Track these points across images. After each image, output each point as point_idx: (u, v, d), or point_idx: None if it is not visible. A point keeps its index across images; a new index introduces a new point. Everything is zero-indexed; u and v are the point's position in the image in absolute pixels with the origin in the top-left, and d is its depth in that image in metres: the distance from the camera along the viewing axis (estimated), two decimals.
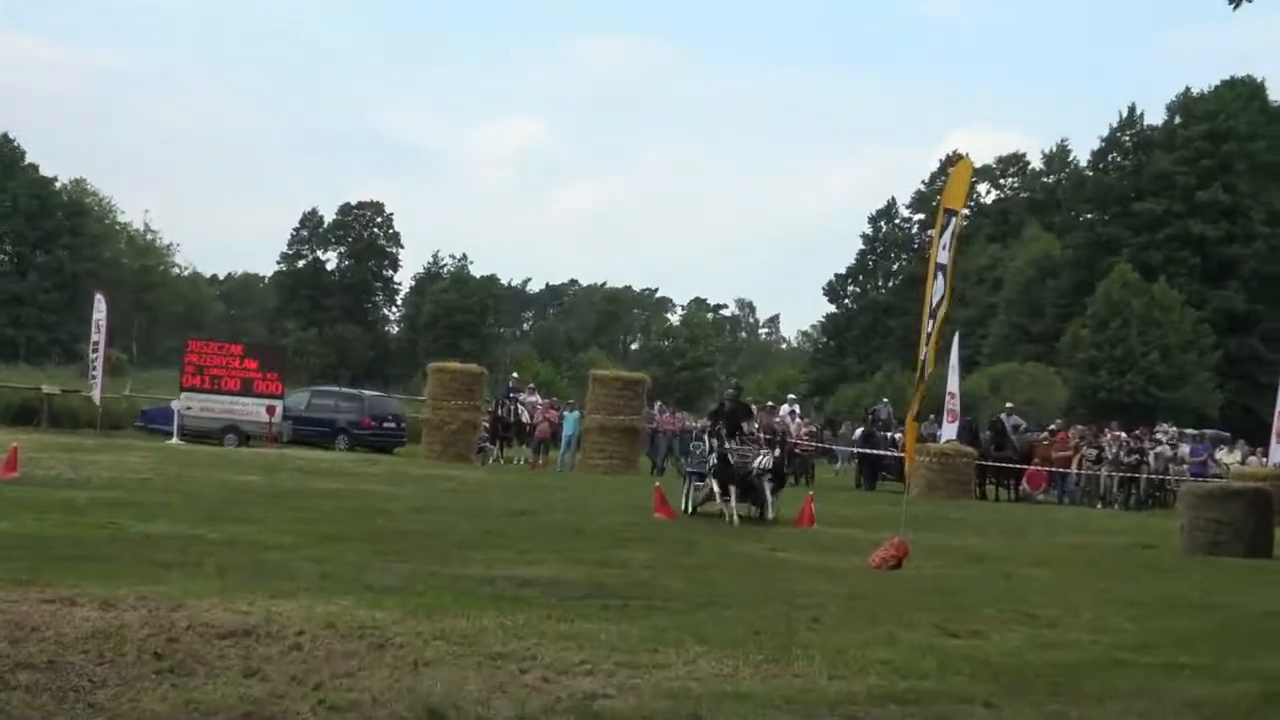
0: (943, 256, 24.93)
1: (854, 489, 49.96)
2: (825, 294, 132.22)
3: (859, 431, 55.14)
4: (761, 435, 33.66)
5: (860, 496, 45.83)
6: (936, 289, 24.66)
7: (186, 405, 51.97)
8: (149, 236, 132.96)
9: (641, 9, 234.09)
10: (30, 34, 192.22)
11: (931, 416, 50.51)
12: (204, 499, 28.68)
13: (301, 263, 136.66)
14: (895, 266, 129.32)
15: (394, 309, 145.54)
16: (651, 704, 11.21)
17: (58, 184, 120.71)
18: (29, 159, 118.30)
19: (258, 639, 12.90)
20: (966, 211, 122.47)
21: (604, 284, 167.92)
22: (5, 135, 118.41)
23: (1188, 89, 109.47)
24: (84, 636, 12.47)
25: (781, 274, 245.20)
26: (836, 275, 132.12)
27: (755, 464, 30.36)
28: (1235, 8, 15.23)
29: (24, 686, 10.55)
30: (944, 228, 25.25)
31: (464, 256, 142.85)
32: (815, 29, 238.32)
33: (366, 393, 64.02)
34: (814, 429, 59.61)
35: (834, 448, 59.33)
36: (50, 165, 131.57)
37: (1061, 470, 49.96)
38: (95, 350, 54.31)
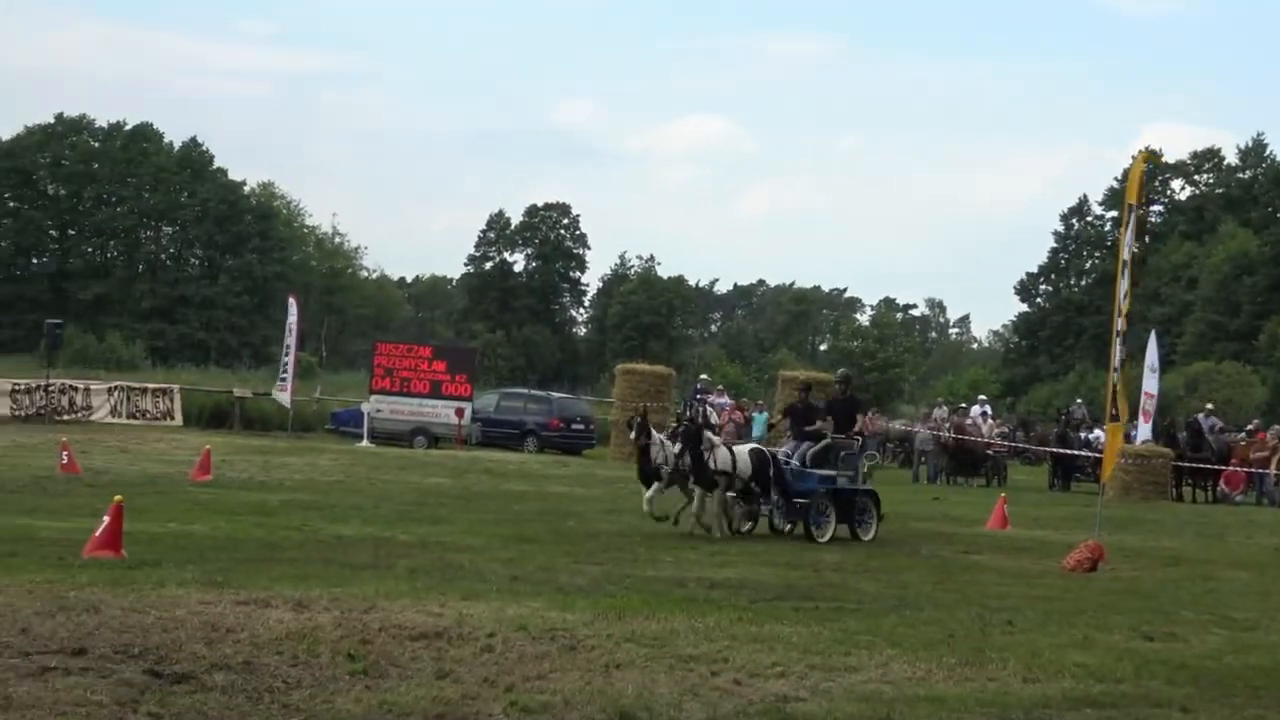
0: (1126, 252, 24.68)
1: (1047, 490, 49.27)
2: (1017, 293, 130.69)
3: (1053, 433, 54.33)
4: (865, 436, 29.41)
5: (1053, 498, 45.21)
6: (1122, 286, 24.36)
7: (376, 408, 52.45)
8: (337, 239, 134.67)
9: (829, 5, 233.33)
10: (219, 40, 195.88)
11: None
12: (394, 501, 28.94)
13: (489, 264, 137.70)
14: (1088, 264, 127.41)
15: (581, 310, 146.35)
16: (844, 707, 11.09)
17: (247, 188, 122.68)
18: (218, 163, 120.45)
19: (449, 641, 12.93)
20: (1153, 206, 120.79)
21: (792, 284, 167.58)
22: (195, 140, 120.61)
23: None
24: (278, 638, 12.57)
25: (972, 273, 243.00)
26: (1028, 274, 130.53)
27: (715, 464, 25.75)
28: None
29: (220, 687, 10.65)
30: (1125, 223, 25.12)
31: (651, 257, 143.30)
32: (1009, 23, 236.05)
33: (555, 395, 64.23)
34: (1006, 430, 58.86)
35: (1026, 447, 58.55)
36: (239, 169, 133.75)
37: (1260, 471, 48.87)
38: (287, 353, 54.99)
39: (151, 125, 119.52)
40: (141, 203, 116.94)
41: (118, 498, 18.49)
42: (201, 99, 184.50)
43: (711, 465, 25.59)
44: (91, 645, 11.84)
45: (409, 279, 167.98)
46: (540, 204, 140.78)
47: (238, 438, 50.35)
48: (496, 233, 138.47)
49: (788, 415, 29.48)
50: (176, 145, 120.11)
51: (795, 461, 26.96)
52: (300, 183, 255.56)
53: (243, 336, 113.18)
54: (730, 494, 26.19)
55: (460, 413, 52.53)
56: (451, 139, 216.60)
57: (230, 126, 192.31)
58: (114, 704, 10.02)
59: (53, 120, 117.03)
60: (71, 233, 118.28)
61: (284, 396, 54.47)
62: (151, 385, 58.75)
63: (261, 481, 32.62)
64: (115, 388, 56.62)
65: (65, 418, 52.98)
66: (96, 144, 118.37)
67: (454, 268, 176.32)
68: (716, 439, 26.76)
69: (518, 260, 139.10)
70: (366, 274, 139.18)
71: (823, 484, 26.50)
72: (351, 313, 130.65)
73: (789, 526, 26.61)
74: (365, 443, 50.17)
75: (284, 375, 54.85)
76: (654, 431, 26.74)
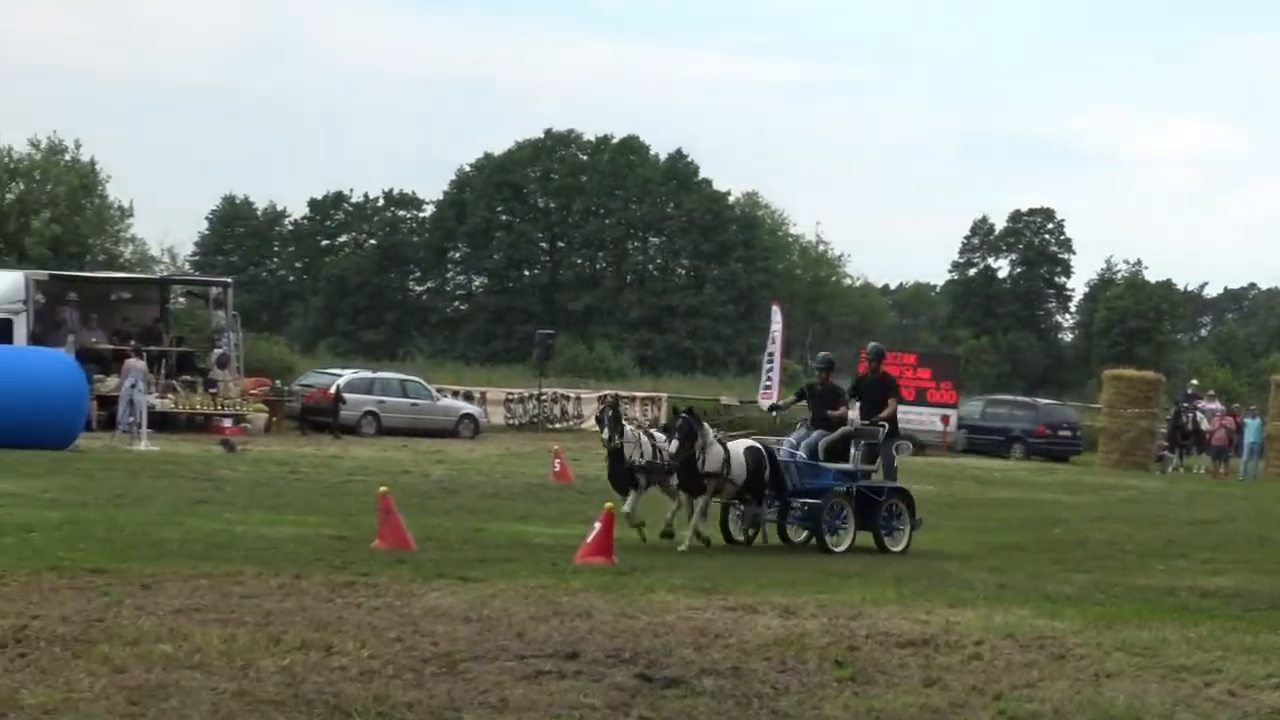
0: None
1: None
2: None
3: None
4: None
5: None
6: None
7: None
8: (820, 247, 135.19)
9: None
10: (697, 49, 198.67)
11: None
12: None
13: (973, 271, 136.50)
14: None
15: (1067, 316, 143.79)
16: None
17: (731, 198, 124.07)
18: (702, 174, 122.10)
19: (936, 648, 12.80)
20: None
21: None
22: (679, 152, 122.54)
23: None
24: (766, 644, 12.62)
25: None
26: None
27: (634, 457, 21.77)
28: None
29: (709, 692, 10.73)
30: None
31: (1138, 261, 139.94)
32: None
33: (1041, 401, 63.34)
34: None
35: None
36: (723, 180, 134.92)
37: None
38: (770, 361, 55.38)
39: (638, 138, 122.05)
40: (629, 214, 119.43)
41: (608, 505, 18.89)
42: (685, 111, 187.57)
43: (701, 465, 21.23)
44: (584, 649, 12.08)
45: (892, 286, 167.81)
46: (1024, 209, 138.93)
47: None
48: (980, 238, 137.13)
49: (803, 398, 24.06)
50: (662, 157, 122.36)
51: (803, 453, 22.46)
52: (784, 192, 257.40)
53: (728, 345, 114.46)
54: (719, 499, 21.93)
55: (945, 420, 52.20)
56: (936, 145, 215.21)
57: (714, 137, 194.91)
58: (606, 708, 10.19)
59: (542, 135, 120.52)
60: (561, 245, 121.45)
61: (768, 404, 54.81)
62: (639, 393, 60.02)
63: None
64: (604, 396, 57.96)
65: (557, 426, 54.54)
66: (585, 157, 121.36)
67: (937, 274, 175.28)
68: (711, 433, 21.79)
69: (1002, 266, 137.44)
70: (850, 281, 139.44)
71: (840, 481, 22.24)
72: (835, 320, 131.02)
73: (804, 534, 22.46)
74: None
75: (768, 383, 55.23)
76: (628, 427, 22.51)
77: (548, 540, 20.92)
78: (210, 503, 24.14)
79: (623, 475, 21.81)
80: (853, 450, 22.37)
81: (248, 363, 48.63)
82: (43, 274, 43.87)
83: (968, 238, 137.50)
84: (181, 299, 53.15)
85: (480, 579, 16.09)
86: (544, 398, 56.32)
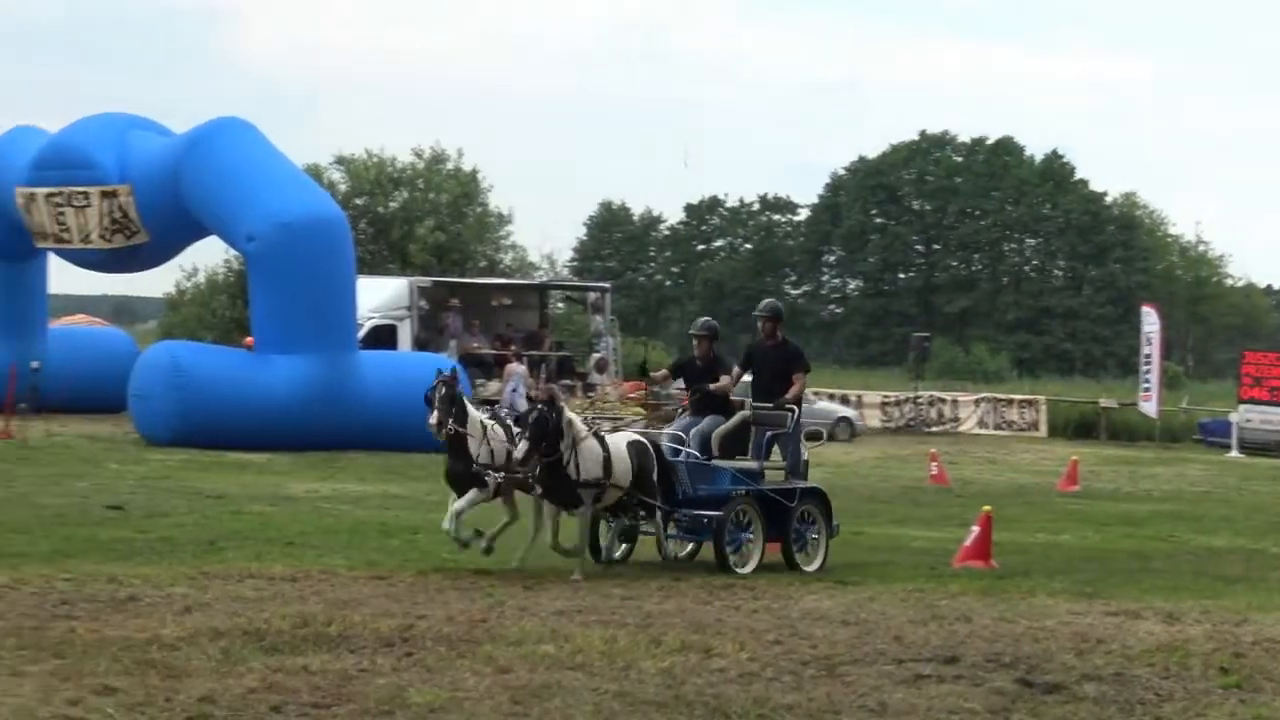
0: None
1: None
2: None
3: None
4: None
5: None
6: None
7: (1246, 417, 51.04)
8: (1200, 248, 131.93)
9: None
10: (1066, 49, 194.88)
11: None
12: (1266, 512, 28.11)
13: None
14: None
15: None
16: None
17: (1108, 198, 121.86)
18: (1079, 174, 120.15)
19: None
20: None
21: None
22: (1055, 152, 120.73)
23: None
24: (1149, 650, 12.43)
25: None
26: None
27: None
28: None
29: (1091, 698, 10.62)
30: None
31: None
32: None
33: None
34: None
35: None
36: (1100, 180, 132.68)
37: None
38: (1147, 363, 54.25)
39: (1012, 139, 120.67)
40: (1004, 216, 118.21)
41: (986, 508, 18.76)
42: (1060, 111, 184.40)
43: (573, 472, 16.21)
44: (963, 654, 12.06)
45: (1276, 286, 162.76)
46: None
47: (1104, 448, 50.05)
48: None
49: (679, 374, 18.96)
50: (1038, 158, 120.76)
51: (693, 448, 17.61)
52: (1162, 192, 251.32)
53: (1107, 347, 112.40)
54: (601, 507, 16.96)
55: None
56: None
57: (1091, 138, 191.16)
58: (986, 712, 10.16)
59: (917, 137, 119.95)
60: (936, 247, 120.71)
61: (1149, 406, 53.69)
62: (1017, 396, 59.34)
63: (1128, 492, 32.37)
64: (982, 399, 57.51)
65: (934, 429, 54.20)
66: (959, 159, 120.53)
67: None
68: (581, 426, 16.69)
69: None
70: (1232, 282, 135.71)
71: (739, 482, 17.60)
72: (1217, 322, 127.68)
73: (687, 550, 18.02)
74: (1234, 453, 48.94)
75: (1146, 385, 54.12)
76: (473, 411, 16.88)
77: (925, 544, 20.88)
78: None
79: (463, 477, 16.47)
80: (753, 441, 17.90)
81: (625, 367, 49.37)
82: (426, 280, 45.09)
83: None
84: (560, 304, 54.14)
85: (857, 582, 16.17)
86: (920, 401, 56.03)
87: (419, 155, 61.77)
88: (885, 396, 56.59)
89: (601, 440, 16.65)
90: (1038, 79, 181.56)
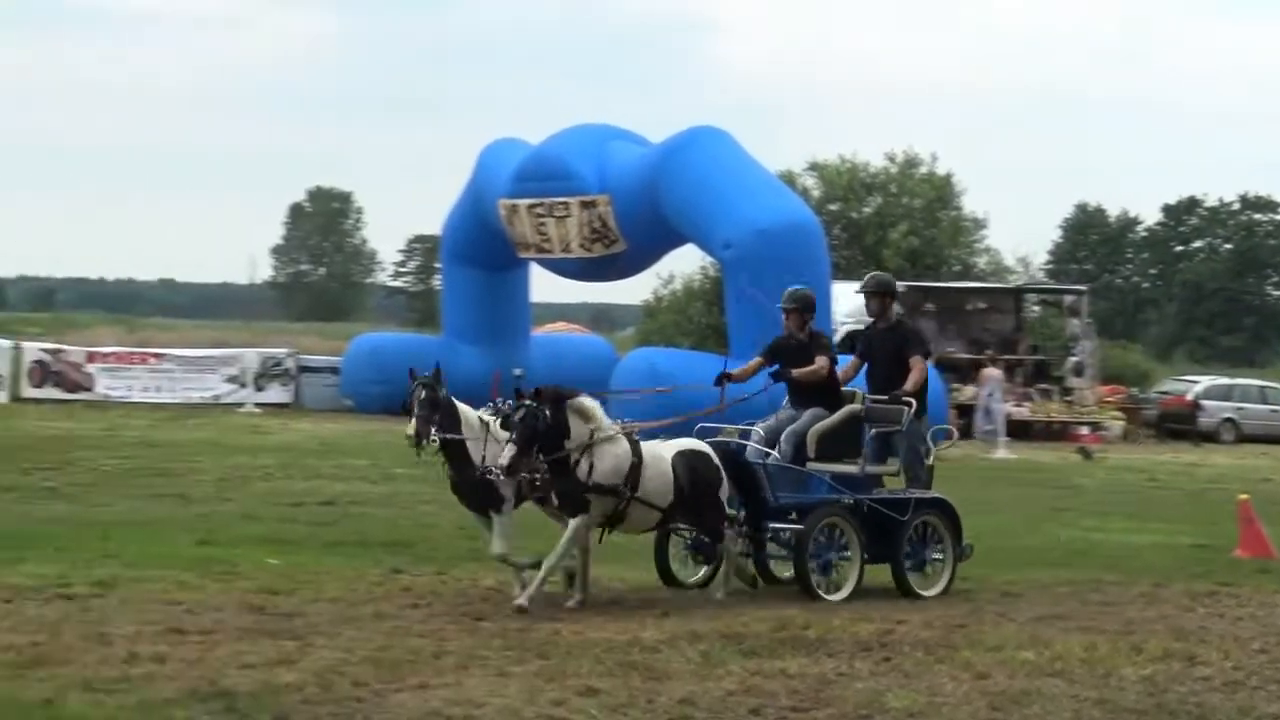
0: None
1: None
2: None
3: None
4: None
5: None
6: None
7: None
8: None
9: None
10: None
11: None
12: None
13: None
14: None
15: None
16: None
17: None
18: None
19: None
20: None
21: None
22: None
23: None
24: None
25: None
26: None
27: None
28: None
29: None
30: None
31: None
32: None
33: None
34: None
35: None
36: None
37: None
38: None
39: None
40: None
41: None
42: None
43: (585, 473, 13.59)
44: None
45: None
46: None
47: None
48: None
49: (771, 358, 15.71)
50: None
51: (785, 448, 14.90)
52: None
53: None
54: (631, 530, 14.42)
55: None
56: None
57: None
58: None
59: None
60: None
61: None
62: None
63: None
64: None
65: None
66: None
67: None
68: (604, 420, 13.92)
69: None
70: None
71: (836, 491, 14.96)
72: None
73: (787, 572, 14.81)
74: None
75: None
76: (466, 410, 14.08)
77: None
78: (1068, 510, 24.27)
79: (473, 487, 14.04)
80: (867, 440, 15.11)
81: (1103, 370, 48.58)
82: (900, 285, 45.05)
83: None
84: (1036, 308, 53.51)
85: None
86: None
87: (891, 160, 61.70)
88: None
89: (635, 445, 13.93)
90: None
